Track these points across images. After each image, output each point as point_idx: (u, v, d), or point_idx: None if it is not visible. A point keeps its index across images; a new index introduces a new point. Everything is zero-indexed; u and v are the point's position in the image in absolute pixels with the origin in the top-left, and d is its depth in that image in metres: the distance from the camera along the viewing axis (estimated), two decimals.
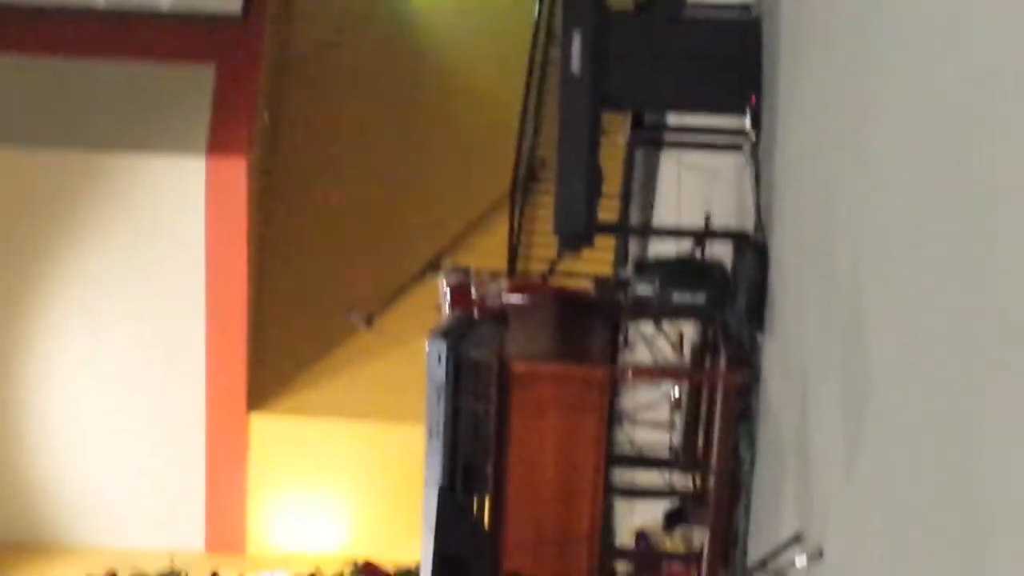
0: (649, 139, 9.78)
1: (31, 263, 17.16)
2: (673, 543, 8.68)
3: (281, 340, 18.23)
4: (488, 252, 13.85)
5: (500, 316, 7.28)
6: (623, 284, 7.31)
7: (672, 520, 7.88)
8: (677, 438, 8.24)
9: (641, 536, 8.80)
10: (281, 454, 18.07)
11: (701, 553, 7.48)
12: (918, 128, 4.29)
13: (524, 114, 13.60)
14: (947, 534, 3.87)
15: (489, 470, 6.80)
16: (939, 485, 3.95)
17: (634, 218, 14.47)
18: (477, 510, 6.90)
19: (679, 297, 7.01)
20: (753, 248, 6.98)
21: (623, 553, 8.68)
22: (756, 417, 7.05)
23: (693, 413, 7.85)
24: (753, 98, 7.28)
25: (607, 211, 12.81)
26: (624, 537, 9.11)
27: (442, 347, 6.56)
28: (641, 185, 14.22)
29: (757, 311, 6.86)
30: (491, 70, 17.34)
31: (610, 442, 7.14)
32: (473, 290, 8.45)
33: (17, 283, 17.18)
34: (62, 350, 17.79)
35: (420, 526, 6.48)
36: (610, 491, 7.98)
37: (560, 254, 12.56)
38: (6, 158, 16.40)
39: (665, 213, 12.49)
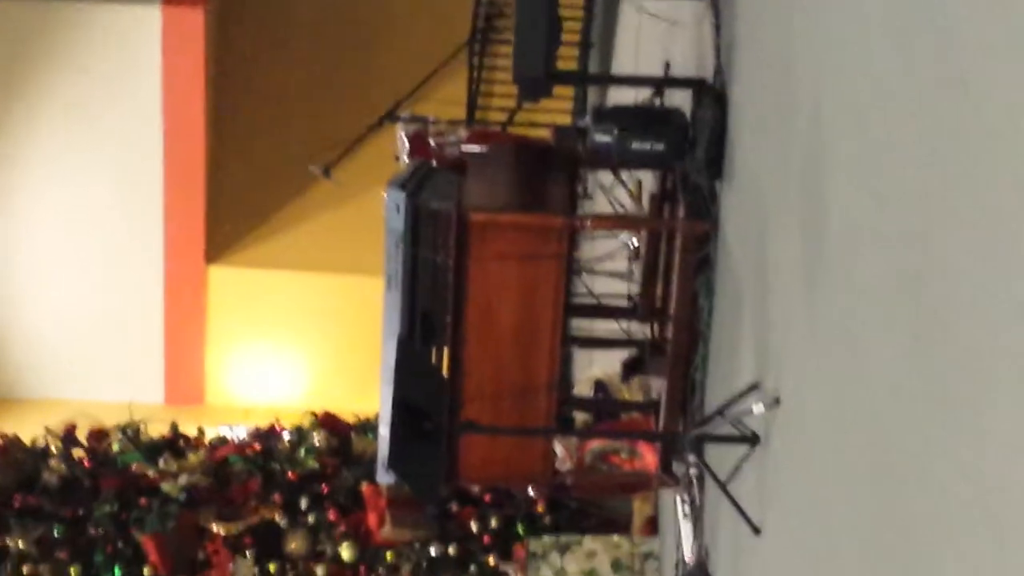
0: None
1: None
2: (631, 392, 8.73)
3: (239, 192, 18.17)
4: (447, 101, 13.76)
5: (458, 166, 7.23)
6: (582, 133, 7.26)
7: (630, 370, 7.91)
8: (635, 288, 8.25)
9: (599, 386, 8.84)
10: (240, 306, 18.08)
11: (659, 402, 7.52)
12: None
13: None
14: (907, 378, 3.88)
15: (448, 320, 6.80)
16: (898, 332, 3.96)
17: (593, 67, 14.37)
18: (436, 360, 6.91)
19: (638, 145, 6.97)
20: (712, 96, 6.93)
21: (581, 402, 8.73)
22: (715, 267, 7.05)
23: (651, 263, 7.84)
24: None
25: (566, 60, 12.73)
26: (582, 387, 9.16)
27: (400, 197, 6.52)
28: (600, 34, 14.12)
29: (716, 160, 6.83)
30: None
31: (568, 292, 7.13)
32: (431, 140, 8.40)
33: None
34: (17, 204, 17.68)
35: (379, 377, 6.49)
36: (568, 341, 7.99)
37: (519, 103, 12.50)
38: None
39: (625, 62, 12.40)
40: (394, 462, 6.18)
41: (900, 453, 3.90)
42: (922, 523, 3.67)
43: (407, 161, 8.14)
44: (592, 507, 9.93)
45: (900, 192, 3.92)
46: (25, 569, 10.25)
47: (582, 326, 8.46)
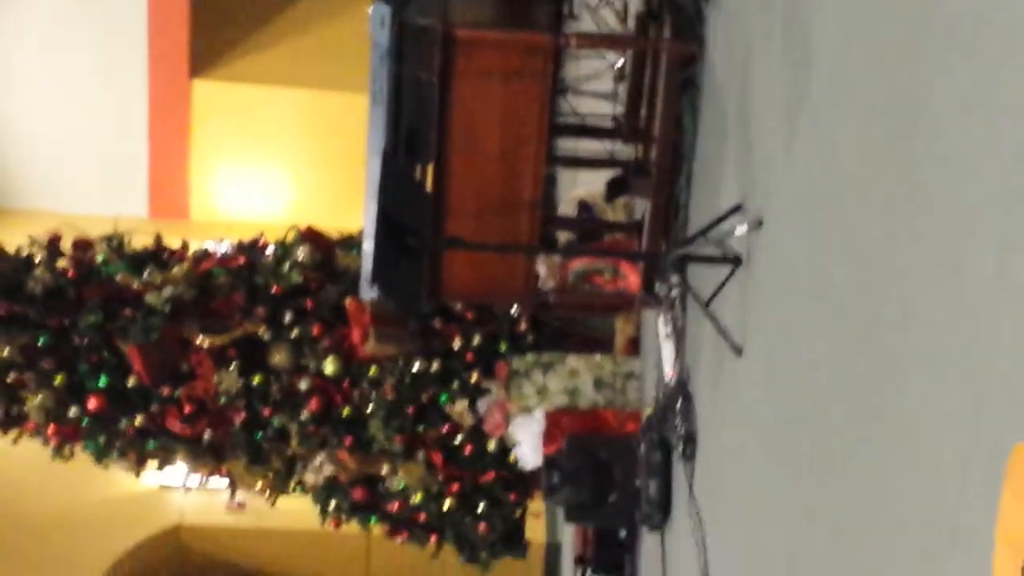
0: None
1: None
2: (615, 213, 8.75)
3: (224, 4, 17.97)
4: None
5: None
6: None
7: (614, 189, 7.92)
8: (620, 108, 8.22)
9: (583, 206, 8.86)
10: (224, 121, 18.00)
11: (642, 223, 7.55)
12: None
13: None
14: (884, 199, 3.90)
15: (432, 137, 6.79)
16: (880, 153, 3.97)
17: None
18: (420, 176, 6.92)
19: None
20: None
21: (565, 222, 8.74)
22: (700, 88, 7.03)
23: (637, 83, 7.81)
24: None
25: None
26: (566, 207, 9.17)
27: (385, 11, 6.47)
28: None
29: None
30: None
31: (553, 111, 7.12)
32: None
33: None
34: (5, 20, 17.49)
35: (363, 193, 6.49)
36: (553, 160, 7.99)
37: None
38: None
39: None
40: (378, 277, 6.21)
41: (880, 271, 3.94)
42: (898, 340, 3.72)
43: None
44: (575, 327, 10.01)
45: (884, 11, 3.91)
46: (10, 377, 10.32)
47: (566, 146, 8.45)
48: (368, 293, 6.57)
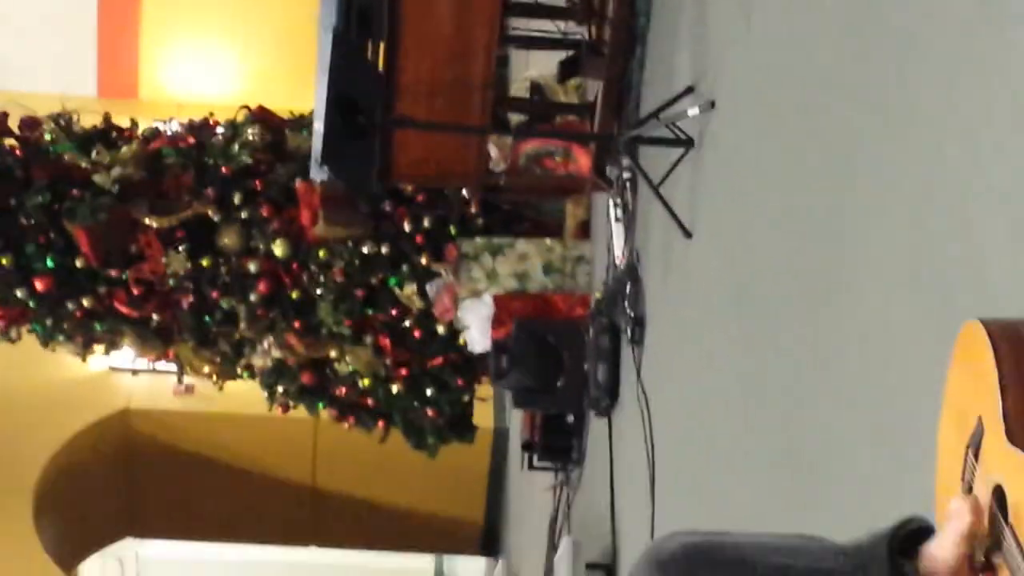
0: None
1: None
2: (567, 95, 8.70)
3: None
4: None
5: None
6: None
7: (566, 70, 7.86)
8: None
9: (535, 87, 8.79)
10: None
11: (594, 105, 7.51)
12: None
13: None
14: (840, 80, 3.89)
15: (384, 14, 6.72)
16: (839, 38, 3.95)
17: None
18: (372, 54, 6.84)
19: None
20: None
21: (516, 104, 8.68)
22: None
23: None
24: None
25: None
26: (518, 89, 9.10)
27: None
28: None
29: None
30: None
31: None
32: None
33: None
34: None
35: (314, 73, 6.42)
36: (505, 40, 7.92)
37: None
38: None
39: None
40: (328, 157, 6.17)
41: (833, 152, 3.93)
42: (848, 222, 3.72)
43: None
44: (525, 210, 9.98)
45: None
46: None
47: (519, 25, 8.38)
48: (318, 173, 6.51)
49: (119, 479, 15.27)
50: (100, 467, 14.98)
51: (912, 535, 2.43)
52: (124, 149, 10.19)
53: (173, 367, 11.56)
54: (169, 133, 10.50)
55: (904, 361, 3.20)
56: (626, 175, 7.14)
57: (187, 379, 12.91)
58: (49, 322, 10.51)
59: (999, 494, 2.30)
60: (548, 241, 9.37)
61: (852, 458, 3.55)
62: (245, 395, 12.30)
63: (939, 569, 2.37)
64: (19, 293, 10.26)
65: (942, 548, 2.37)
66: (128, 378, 14.73)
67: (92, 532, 15.57)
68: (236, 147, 10.12)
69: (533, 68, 9.62)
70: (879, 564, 2.40)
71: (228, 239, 10.16)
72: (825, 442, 3.79)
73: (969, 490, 2.39)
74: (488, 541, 15.45)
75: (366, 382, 10.58)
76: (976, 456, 2.38)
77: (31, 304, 10.33)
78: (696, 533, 2.53)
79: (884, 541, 2.42)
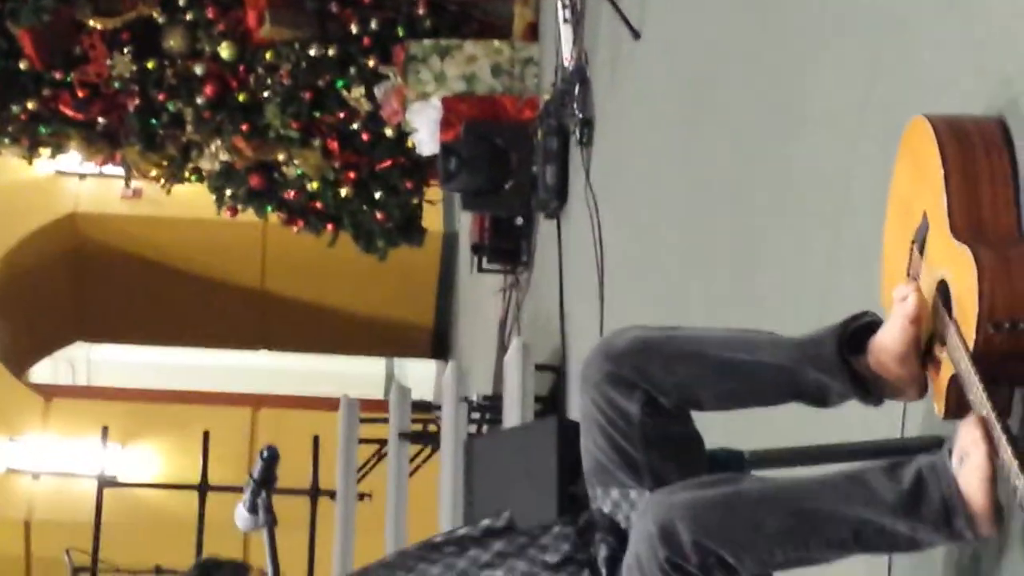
0: None
1: None
2: None
3: None
4: None
5: None
6: None
7: None
8: None
9: None
10: None
11: None
12: None
13: None
14: None
15: None
16: None
17: None
18: None
19: None
20: None
21: None
22: None
23: None
24: None
25: None
26: None
27: None
28: None
29: None
30: None
31: None
32: None
33: None
34: None
35: None
36: None
37: None
38: None
39: None
40: None
41: None
42: (803, 20, 3.71)
43: None
44: (473, 11, 9.87)
45: None
46: None
47: None
48: None
49: (68, 284, 15.23)
50: (48, 272, 14.93)
51: (864, 329, 2.43)
52: None
53: (121, 171, 11.48)
54: None
55: (852, 153, 3.21)
56: None
57: (135, 183, 12.84)
58: None
59: (943, 289, 2.32)
60: (496, 43, 9.29)
61: (801, 255, 3.58)
62: (193, 199, 12.25)
63: (887, 361, 2.39)
64: None
65: (889, 334, 2.38)
66: (75, 182, 14.64)
67: (42, 336, 15.58)
68: None
69: None
70: (828, 357, 2.41)
71: (173, 41, 10.04)
72: (775, 239, 3.82)
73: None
74: (438, 344, 15.55)
75: (315, 185, 10.54)
76: (921, 251, 2.40)
77: None
78: (649, 328, 2.55)
79: (834, 334, 2.43)
